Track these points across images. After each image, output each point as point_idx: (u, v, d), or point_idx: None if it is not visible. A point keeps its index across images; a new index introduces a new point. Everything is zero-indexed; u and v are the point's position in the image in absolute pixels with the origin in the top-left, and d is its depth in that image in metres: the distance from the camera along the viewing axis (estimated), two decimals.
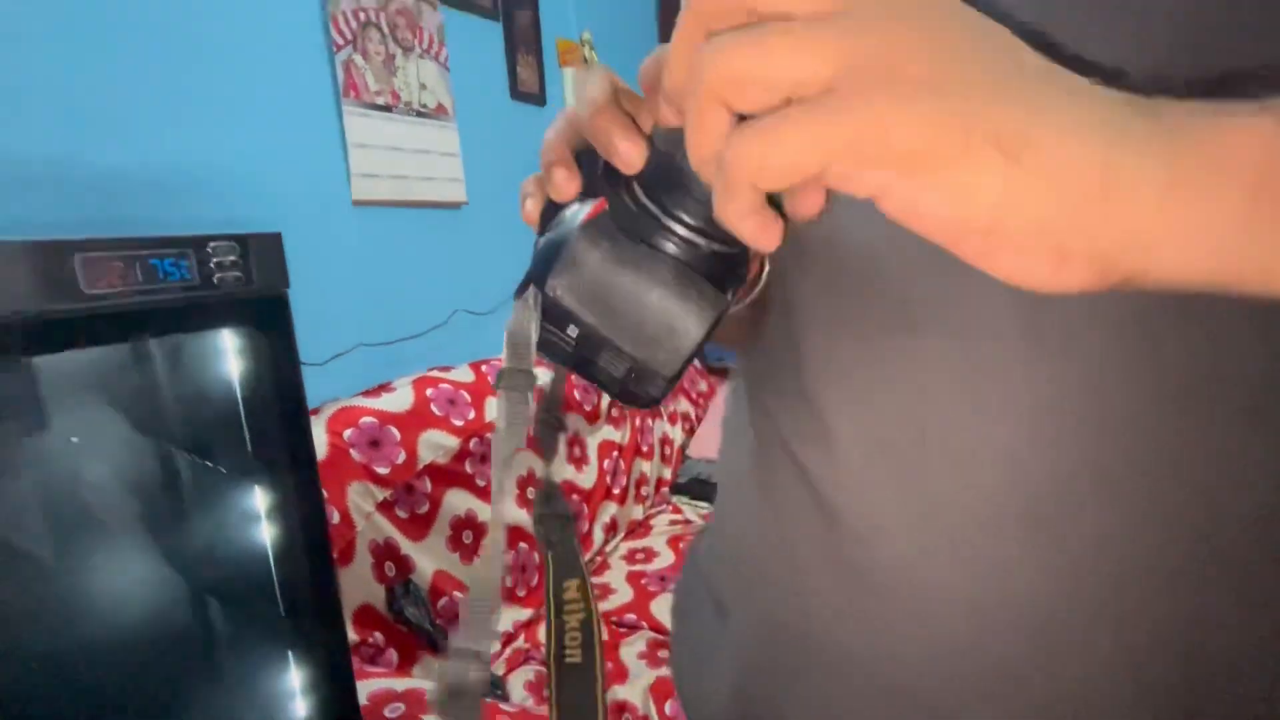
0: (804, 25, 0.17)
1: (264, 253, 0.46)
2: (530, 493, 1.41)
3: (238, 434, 0.50)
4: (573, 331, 0.25)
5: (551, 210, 0.27)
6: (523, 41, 1.64)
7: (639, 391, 0.25)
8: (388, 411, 1.16)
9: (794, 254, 0.36)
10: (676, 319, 0.24)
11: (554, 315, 0.25)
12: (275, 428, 0.49)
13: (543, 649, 1.21)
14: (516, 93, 1.62)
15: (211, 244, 0.43)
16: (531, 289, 0.25)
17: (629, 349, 0.24)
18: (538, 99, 1.69)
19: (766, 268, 0.42)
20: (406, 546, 1.12)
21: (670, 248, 0.24)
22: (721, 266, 0.25)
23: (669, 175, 0.24)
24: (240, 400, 0.50)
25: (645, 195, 0.24)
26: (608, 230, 0.25)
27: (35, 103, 0.83)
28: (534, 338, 0.25)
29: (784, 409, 0.36)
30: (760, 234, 0.19)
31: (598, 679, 0.30)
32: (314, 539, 0.51)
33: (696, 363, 2.17)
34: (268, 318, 0.47)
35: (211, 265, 0.43)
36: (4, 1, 0.80)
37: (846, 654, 0.34)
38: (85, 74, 0.87)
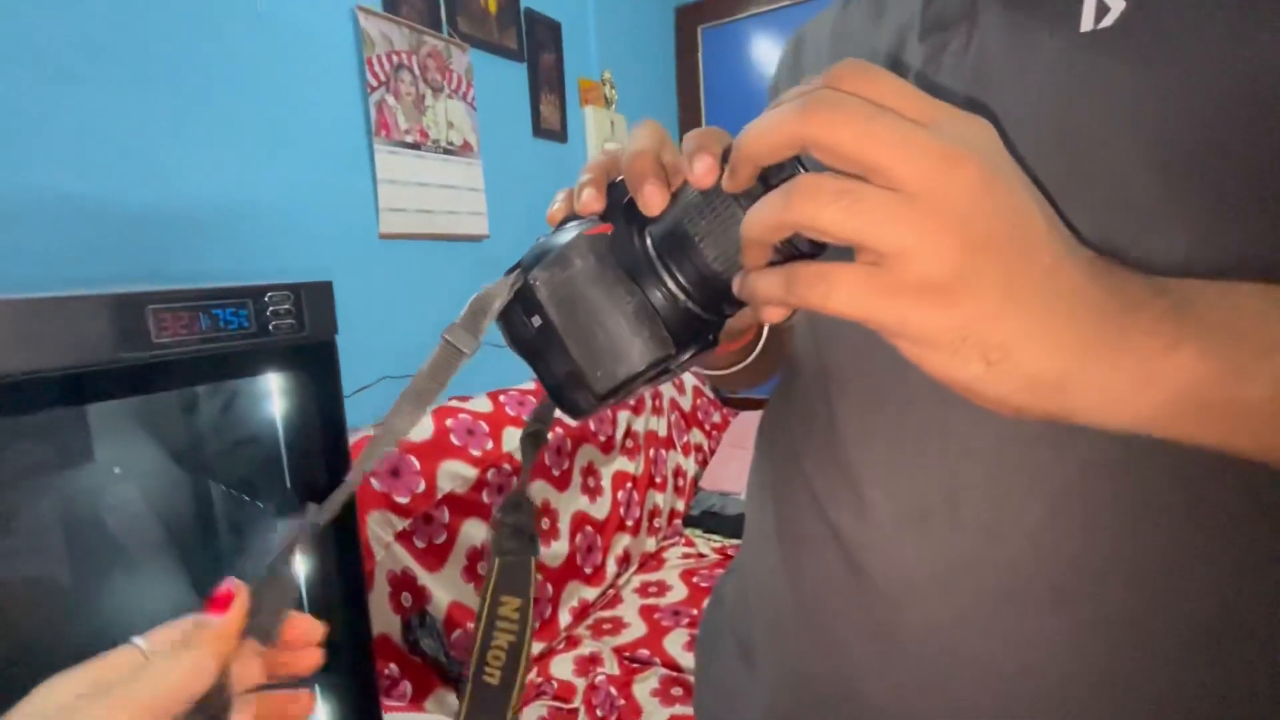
0: (897, 204, 0.20)
1: (315, 300, 0.48)
2: (544, 523, 1.42)
3: (278, 471, 0.52)
4: (536, 321, 0.27)
5: (568, 220, 0.30)
6: (546, 82, 1.69)
7: (569, 398, 0.27)
8: (408, 441, 1.18)
9: (829, 324, 0.37)
10: (624, 346, 0.26)
11: (527, 302, 0.27)
12: (315, 466, 0.50)
13: (550, 682, 1.21)
14: (539, 130, 1.67)
15: (269, 294, 0.46)
16: (517, 272, 0.28)
17: (575, 355, 0.26)
18: (559, 136, 1.74)
19: (764, 335, 0.44)
20: (423, 577, 1.12)
21: (650, 290, 0.27)
22: (690, 325, 0.27)
23: (676, 233, 0.26)
24: (282, 439, 0.52)
25: (650, 240, 0.27)
26: (601, 251, 0.27)
27: (74, 140, 0.87)
28: (495, 311, 0.27)
29: (819, 472, 0.37)
30: (772, 314, 0.24)
31: (510, 705, 0.31)
32: (349, 574, 0.52)
33: (709, 393, 2.18)
34: (316, 362, 0.49)
35: (268, 314, 0.46)
36: (47, 39, 0.85)
37: (874, 710, 0.35)
38: (123, 112, 0.91)
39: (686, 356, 0.28)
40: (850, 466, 0.35)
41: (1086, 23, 0.28)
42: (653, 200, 0.27)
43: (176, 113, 0.97)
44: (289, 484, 0.53)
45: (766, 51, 2.18)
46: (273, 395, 0.52)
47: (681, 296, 0.27)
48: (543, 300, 0.27)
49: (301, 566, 0.56)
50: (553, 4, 1.70)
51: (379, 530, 1.07)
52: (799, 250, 0.24)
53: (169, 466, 0.54)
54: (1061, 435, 0.28)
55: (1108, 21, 0.27)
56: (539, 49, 1.66)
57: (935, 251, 0.19)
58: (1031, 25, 0.30)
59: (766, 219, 0.22)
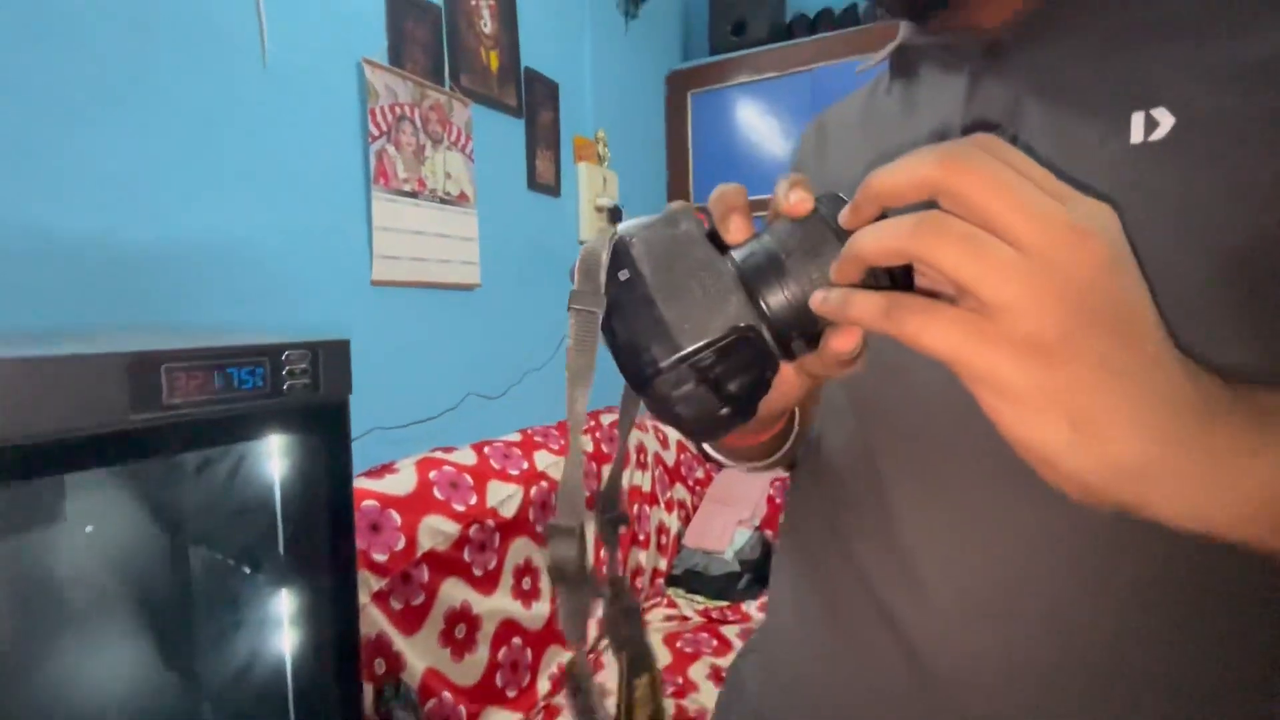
0: (1018, 261, 0.20)
1: (332, 359, 0.46)
2: (525, 583, 1.36)
3: (271, 535, 0.49)
4: (623, 275, 0.26)
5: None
6: (543, 138, 1.73)
7: (643, 354, 0.25)
8: (390, 494, 1.13)
9: (874, 401, 0.37)
10: (716, 307, 0.25)
11: (618, 257, 0.27)
12: (316, 530, 0.47)
13: None
14: (534, 184, 1.70)
15: (286, 352, 0.44)
16: (614, 227, 0.28)
17: (660, 307, 0.25)
18: (553, 190, 1.77)
19: (795, 430, 0.43)
20: (399, 642, 1.06)
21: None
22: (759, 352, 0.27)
23: (763, 253, 0.26)
24: (279, 502, 0.49)
25: (733, 259, 0.27)
26: (699, 226, 0.27)
27: (72, 179, 0.85)
28: (605, 262, 0.27)
29: (871, 556, 0.36)
30: (846, 341, 0.25)
31: None
32: (344, 646, 0.48)
33: (692, 448, 2.16)
34: (326, 424, 0.47)
35: (284, 373, 0.44)
36: (55, 79, 0.83)
37: None
38: (124, 153, 0.90)
39: (740, 383, 0.27)
40: (907, 551, 0.34)
41: (1136, 135, 0.29)
42: (737, 227, 0.27)
43: (176, 155, 0.96)
44: (282, 549, 0.49)
45: (750, 118, 2.27)
46: (272, 456, 0.49)
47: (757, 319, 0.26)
48: (636, 255, 0.26)
49: (290, 636, 0.52)
50: (552, 64, 1.75)
51: None
52: (877, 282, 0.24)
53: (150, 527, 0.50)
54: (1131, 531, 0.28)
55: (1158, 135, 0.28)
56: (537, 106, 1.70)
57: (1047, 312, 0.20)
58: (1079, 133, 0.31)
59: (886, 243, 0.22)
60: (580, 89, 1.89)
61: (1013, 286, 0.20)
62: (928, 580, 0.33)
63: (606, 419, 1.75)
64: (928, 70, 0.40)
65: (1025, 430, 0.21)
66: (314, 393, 0.45)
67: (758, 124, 2.26)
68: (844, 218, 0.25)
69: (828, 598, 0.39)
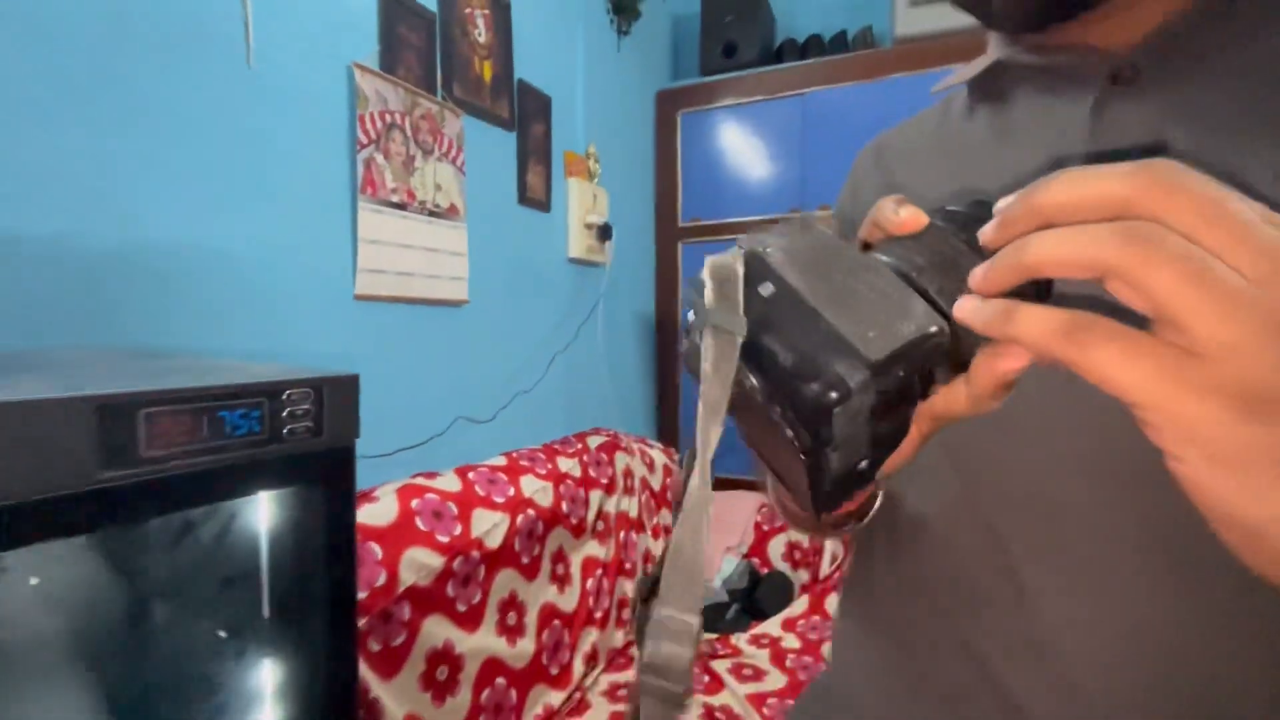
0: (1247, 296, 0.16)
1: (338, 398, 0.40)
2: (510, 618, 1.29)
3: (253, 597, 0.42)
4: (766, 290, 0.21)
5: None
6: (534, 152, 1.68)
7: (824, 373, 0.20)
8: (370, 525, 1.05)
9: (988, 470, 0.33)
10: (903, 302, 0.20)
11: (754, 271, 0.22)
12: (311, 590, 0.41)
13: None
14: (524, 198, 1.65)
15: (287, 391, 0.37)
16: (743, 238, 0.23)
17: (830, 318, 0.20)
18: (543, 205, 1.72)
19: (879, 500, 0.39)
20: (376, 688, 0.98)
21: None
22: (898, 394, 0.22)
23: (947, 256, 0.22)
24: (265, 559, 0.42)
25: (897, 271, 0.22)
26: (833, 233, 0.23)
27: (34, 179, 0.77)
28: (741, 275, 0.22)
29: (996, 643, 0.32)
30: (1011, 360, 0.21)
31: None
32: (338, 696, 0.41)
33: (679, 471, 2.12)
34: (329, 473, 0.41)
35: (284, 416, 0.37)
36: (15, 73, 0.76)
37: None
38: (92, 152, 0.82)
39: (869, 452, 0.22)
40: (1046, 641, 0.30)
41: None
42: (911, 214, 0.23)
43: (150, 157, 0.88)
44: (266, 612, 0.43)
45: (739, 139, 2.26)
46: (261, 509, 0.42)
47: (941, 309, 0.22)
48: (777, 265, 0.22)
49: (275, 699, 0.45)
50: (544, 78, 1.71)
51: None
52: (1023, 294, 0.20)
53: (111, 584, 0.43)
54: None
55: None
56: (529, 119, 1.66)
57: (1275, 359, 0.16)
58: (1240, 172, 0.27)
59: (1078, 251, 0.18)
60: (572, 103, 1.85)
61: (1238, 325, 0.16)
62: (1070, 674, 0.29)
63: (594, 441, 1.69)
64: (1025, 95, 0.36)
65: (1224, 492, 0.18)
66: (316, 437, 0.39)
67: (746, 146, 2.25)
68: (989, 232, 0.20)
69: (930, 680, 0.34)
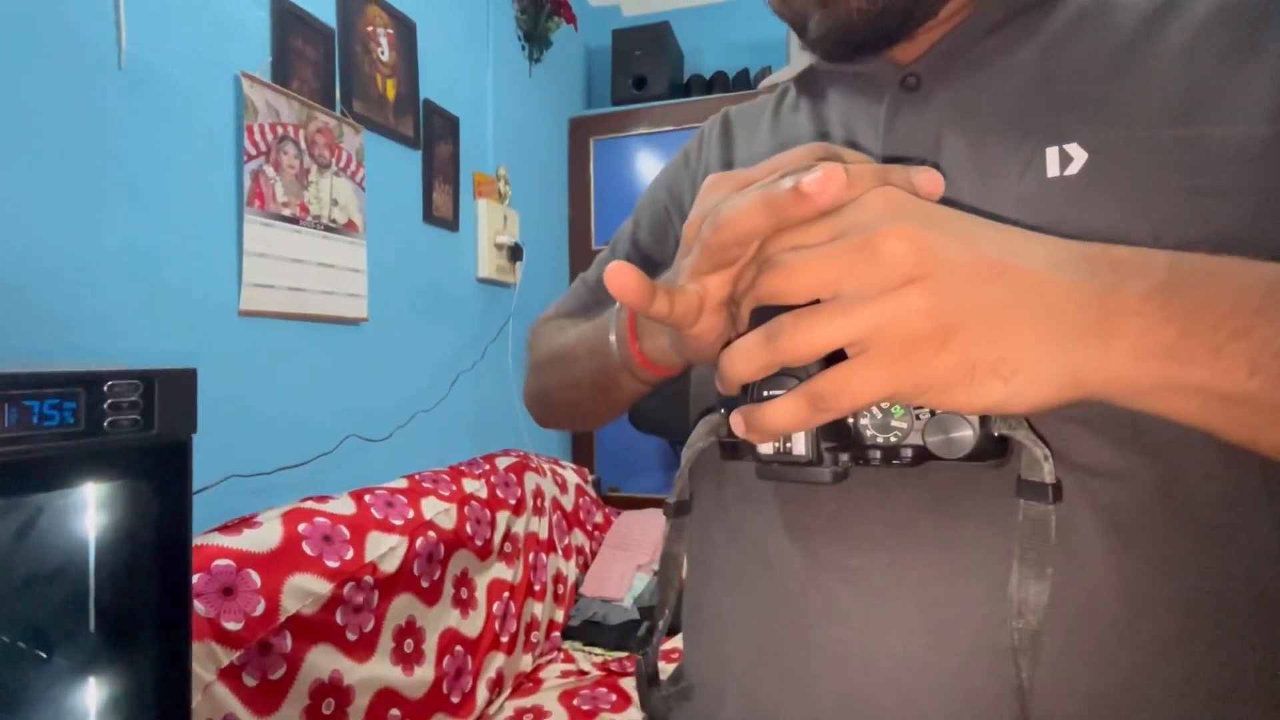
0: (853, 303, 0.24)
1: (172, 393, 0.39)
2: (407, 645, 1.24)
3: (79, 606, 0.39)
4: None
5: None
6: (441, 171, 1.68)
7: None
8: (248, 552, 0.99)
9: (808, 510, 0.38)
10: None
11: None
12: (141, 597, 0.38)
13: None
14: (430, 217, 1.63)
15: (109, 382, 0.36)
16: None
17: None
18: (451, 225, 1.71)
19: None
20: None
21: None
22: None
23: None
24: (93, 564, 0.39)
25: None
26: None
27: None
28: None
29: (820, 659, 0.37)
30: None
31: None
32: None
33: (591, 492, 2.11)
34: (160, 469, 0.39)
35: (104, 408, 0.35)
36: None
37: None
38: None
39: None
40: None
41: (1052, 169, 0.31)
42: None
43: (2, 160, 0.82)
44: (93, 625, 0.40)
45: (651, 166, 2.35)
46: (86, 510, 0.40)
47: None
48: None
49: None
50: (452, 99, 1.72)
51: (198, 669, 0.87)
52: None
53: None
54: (1071, 559, 0.29)
55: (1072, 169, 0.30)
56: (435, 139, 1.66)
57: (906, 313, 0.23)
58: (998, 167, 0.33)
59: (758, 362, 0.25)
60: (481, 125, 1.86)
61: (873, 314, 0.23)
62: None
63: (502, 462, 1.67)
64: (837, 94, 0.42)
65: (974, 400, 0.23)
66: (145, 431, 0.37)
67: (657, 172, 2.33)
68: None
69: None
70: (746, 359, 0.25)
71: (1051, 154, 0.31)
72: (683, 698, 0.41)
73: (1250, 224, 0.28)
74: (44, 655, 0.39)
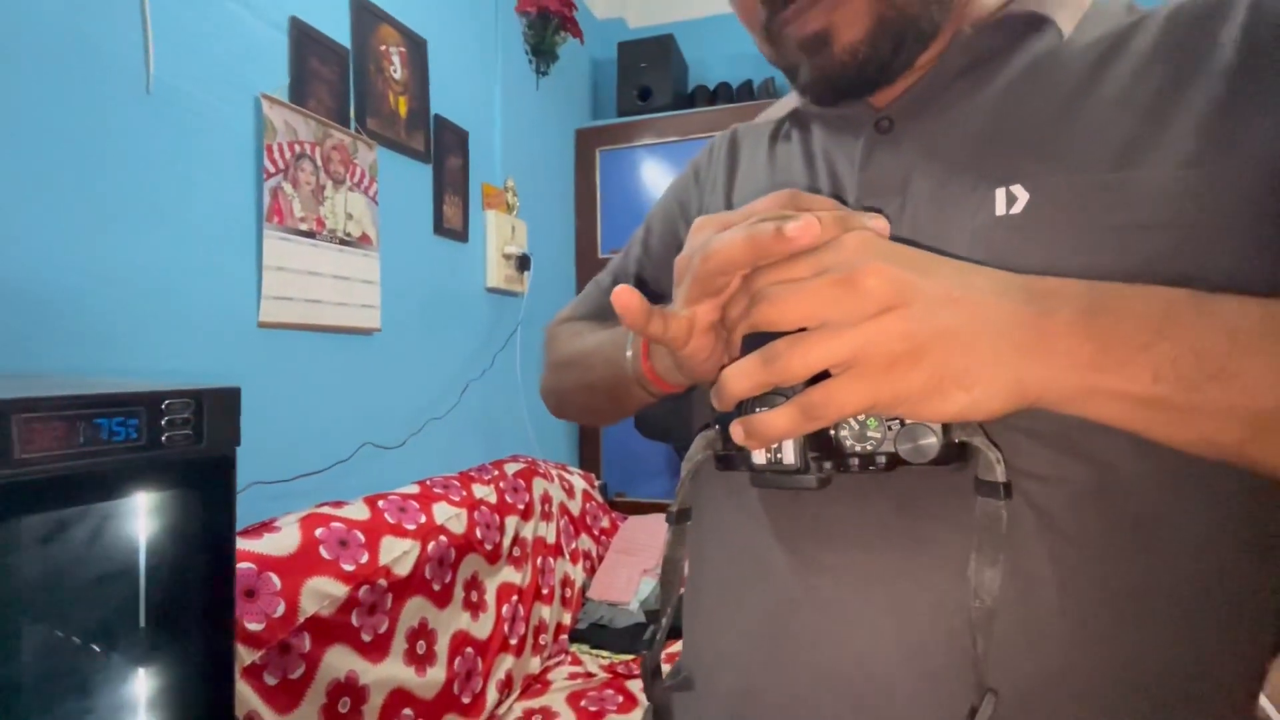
0: (843, 335, 0.28)
1: (219, 409, 0.42)
2: (420, 647, 1.27)
3: (130, 606, 0.43)
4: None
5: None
6: (450, 184, 1.72)
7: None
8: (269, 555, 1.03)
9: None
10: None
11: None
12: (188, 598, 0.42)
13: None
14: (441, 229, 1.67)
15: (167, 401, 0.39)
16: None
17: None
18: (460, 236, 1.75)
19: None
20: None
21: None
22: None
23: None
24: (143, 567, 0.43)
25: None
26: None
27: None
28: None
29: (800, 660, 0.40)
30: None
31: None
32: None
33: (598, 497, 2.15)
34: (209, 479, 0.43)
35: (162, 424, 0.39)
36: None
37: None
38: None
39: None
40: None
41: (1000, 208, 0.34)
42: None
43: (37, 182, 0.87)
44: (143, 621, 0.44)
45: (656, 177, 2.38)
46: (138, 516, 0.43)
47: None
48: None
49: None
50: (462, 113, 1.76)
51: None
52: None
53: None
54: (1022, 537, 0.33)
55: (1016, 209, 0.34)
56: (445, 152, 1.70)
57: (886, 337, 0.27)
58: (957, 204, 0.36)
59: (756, 380, 0.29)
60: (489, 138, 1.91)
61: (858, 339, 0.27)
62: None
63: (511, 468, 1.71)
64: (820, 132, 0.46)
65: (943, 409, 0.27)
66: (196, 445, 0.41)
67: (662, 183, 2.37)
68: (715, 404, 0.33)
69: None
70: (746, 377, 0.29)
71: (1000, 194, 0.35)
72: (682, 687, 0.45)
73: (1170, 256, 0.31)
74: (101, 650, 0.43)
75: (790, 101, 0.50)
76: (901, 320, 0.27)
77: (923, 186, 0.38)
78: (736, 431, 0.30)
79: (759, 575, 0.39)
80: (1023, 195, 0.34)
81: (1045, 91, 0.36)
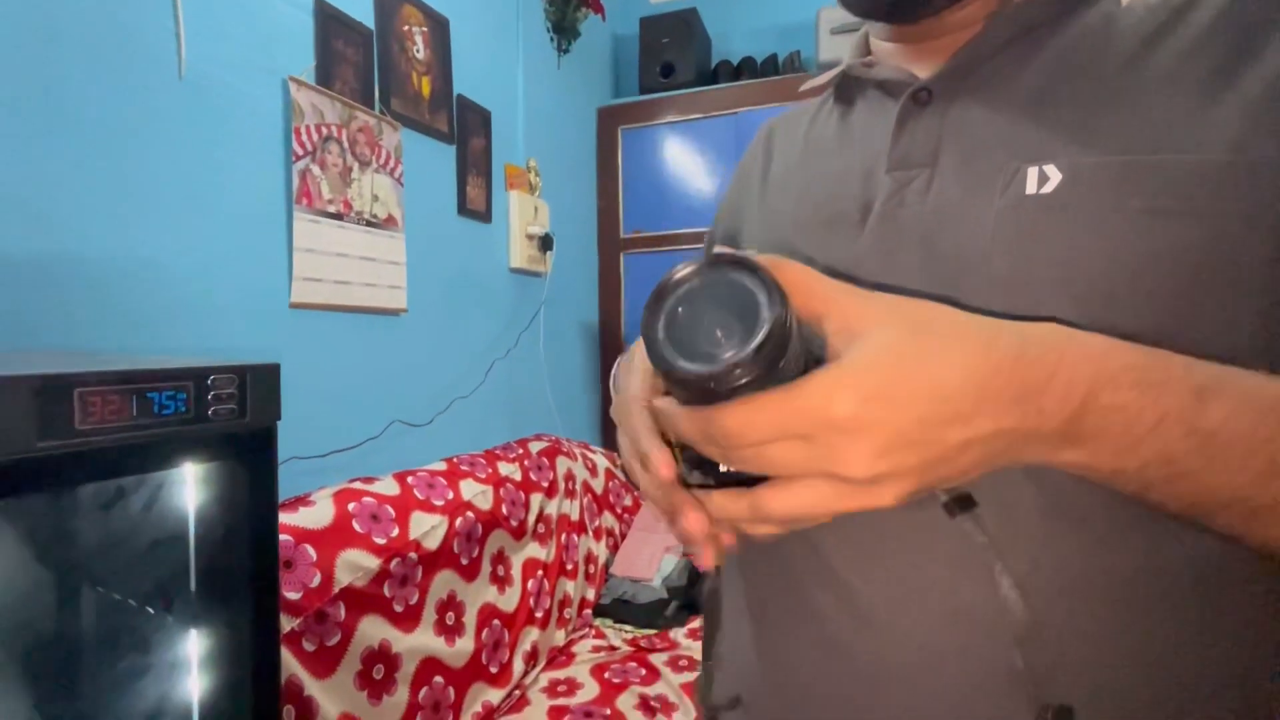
0: (813, 450, 0.25)
1: (261, 384, 0.44)
2: (449, 618, 1.31)
3: (182, 571, 0.46)
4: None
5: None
6: (474, 164, 1.73)
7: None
8: (305, 528, 1.07)
9: None
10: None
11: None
12: (236, 564, 0.44)
13: None
14: (464, 209, 1.69)
15: (212, 376, 0.41)
16: None
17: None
18: (484, 216, 1.76)
19: None
20: (311, 686, 1.00)
21: None
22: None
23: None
24: (193, 535, 0.45)
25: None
26: None
27: None
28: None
29: (800, 556, 0.39)
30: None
31: None
32: (263, 689, 0.45)
33: (620, 475, 2.17)
34: (252, 451, 0.45)
35: (209, 398, 0.41)
36: None
37: None
38: (16, 162, 0.83)
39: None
40: (830, 554, 0.37)
41: (1030, 187, 0.34)
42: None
43: (80, 168, 0.89)
44: (194, 586, 0.46)
45: (678, 155, 2.36)
46: (187, 486, 0.46)
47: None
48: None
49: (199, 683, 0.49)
50: (484, 93, 1.76)
51: None
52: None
53: (37, 561, 0.46)
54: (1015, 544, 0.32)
55: (1048, 188, 0.33)
56: (469, 133, 1.70)
57: (874, 500, 0.26)
58: (985, 180, 0.35)
59: (739, 519, 0.28)
60: (512, 118, 1.91)
61: (847, 502, 0.26)
62: (851, 580, 0.36)
63: (535, 446, 1.74)
64: (863, 103, 0.45)
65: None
66: (240, 419, 0.43)
67: (685, 161, 2.35)
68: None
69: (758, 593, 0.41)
70: (729, 513, 0.28)
71: (1031, 172, 0.34)
72: (733, 706, 0.46)
73: (1197, 248, 0.30)
74: (157, 611, 0.45)
75: (828, 72, 0.49)
76: (893, 484, 0.25)
77: (951, 161, 0.37)
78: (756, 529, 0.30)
79: (803, 593, 0.40)
80: (1055, 175, 0.33)
81: (1092, 68, 0.35)
